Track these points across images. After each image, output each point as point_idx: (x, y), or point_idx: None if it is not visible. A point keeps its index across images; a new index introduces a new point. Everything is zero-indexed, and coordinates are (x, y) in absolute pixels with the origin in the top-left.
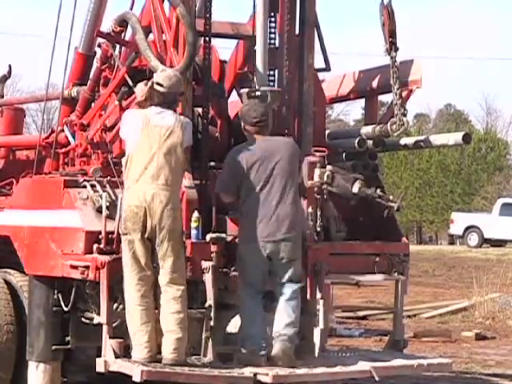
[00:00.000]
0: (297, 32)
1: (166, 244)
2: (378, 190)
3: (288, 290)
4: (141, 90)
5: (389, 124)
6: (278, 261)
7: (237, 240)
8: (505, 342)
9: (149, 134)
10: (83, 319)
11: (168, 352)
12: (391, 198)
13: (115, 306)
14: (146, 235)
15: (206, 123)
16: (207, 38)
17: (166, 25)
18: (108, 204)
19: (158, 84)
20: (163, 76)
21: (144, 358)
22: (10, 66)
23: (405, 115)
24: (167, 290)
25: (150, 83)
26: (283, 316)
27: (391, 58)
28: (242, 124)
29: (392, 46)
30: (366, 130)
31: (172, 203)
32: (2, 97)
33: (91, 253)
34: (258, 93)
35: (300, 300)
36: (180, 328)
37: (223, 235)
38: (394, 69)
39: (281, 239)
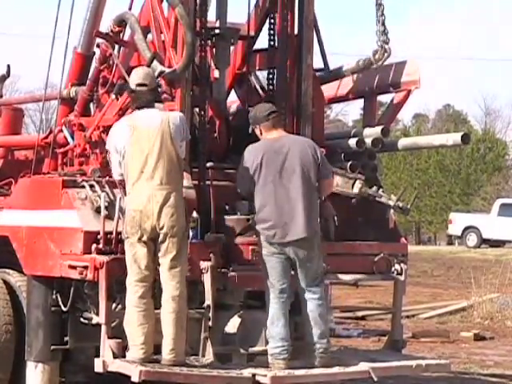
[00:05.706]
0: (296, 32)
1: (167, 241)
2: (380, 190)
3: (312, 294)
4: None
5: (371, 53)
6: (297, 262)
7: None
8: (503, 342)
9: (139, 139)
10: (82, 319)
11: (166, 353)
12: (393, 198)
13: (114, 306)
14: (147, 237)
15: (204, 124)
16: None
17: (164, 25)
18: (107, 204)
19: (141, 85)
20: (142, 75)
21: (139, 359)
22: (8, 66)
23: (387, 43)
24: (167, 288)
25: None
26: (314, 325)
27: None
28: (256, 127)
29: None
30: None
31: (170, 201)
32: (1, 97)
33: (90, 253)
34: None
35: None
36: (177, 328)
37: (222, 235)
38: None
39: (294, 240)
